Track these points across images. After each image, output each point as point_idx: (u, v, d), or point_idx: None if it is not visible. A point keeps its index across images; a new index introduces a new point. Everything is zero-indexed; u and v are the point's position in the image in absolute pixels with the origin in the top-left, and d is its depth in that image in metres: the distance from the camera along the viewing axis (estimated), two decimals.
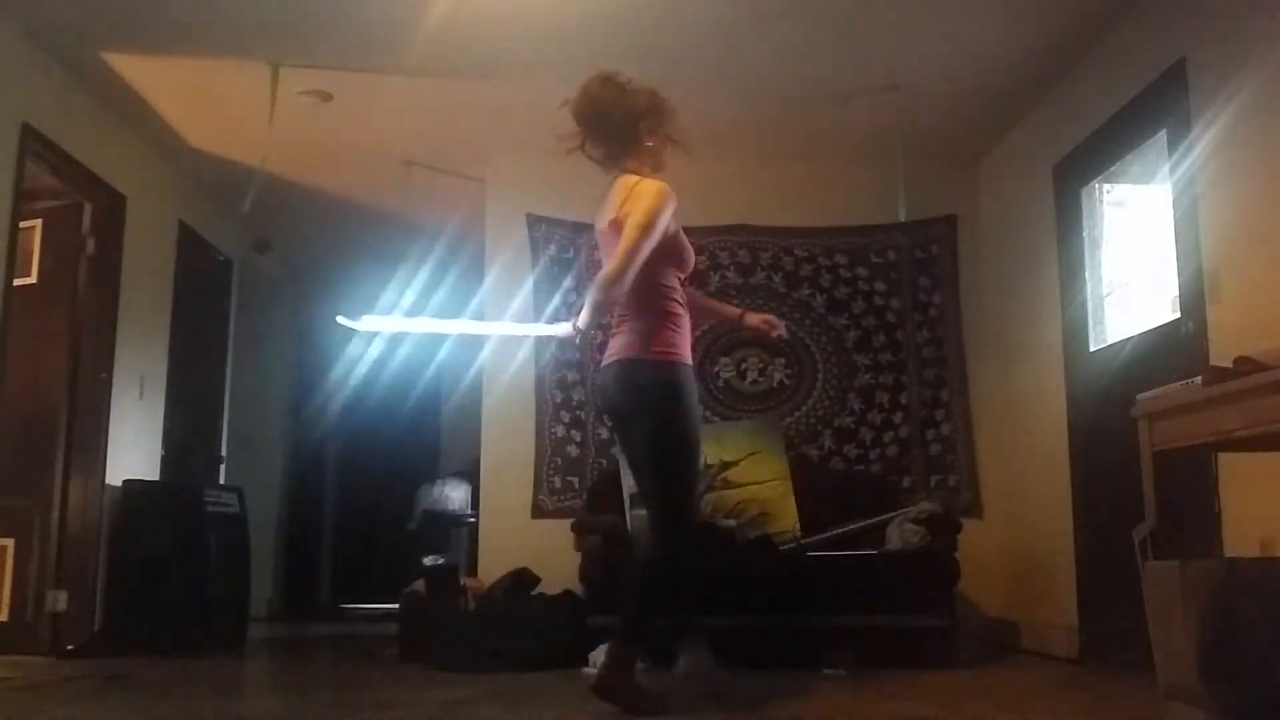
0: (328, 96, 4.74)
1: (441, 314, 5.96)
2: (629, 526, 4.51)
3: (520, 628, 4.13)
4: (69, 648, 4.48)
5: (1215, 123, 3.39)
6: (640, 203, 2.98)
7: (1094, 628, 4.17)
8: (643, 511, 4.22)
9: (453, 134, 5.23)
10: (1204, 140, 3.45)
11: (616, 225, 3.01)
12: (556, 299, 5.30)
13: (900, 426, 5.24)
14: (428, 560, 4.54)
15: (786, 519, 4.61)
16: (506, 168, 5.46)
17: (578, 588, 4.38)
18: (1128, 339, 4.05)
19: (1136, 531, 2.50)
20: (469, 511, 5.87)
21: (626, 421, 3.10)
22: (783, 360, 5.32)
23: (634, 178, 3.09)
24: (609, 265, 2.95)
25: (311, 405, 8.13)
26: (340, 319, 3.06)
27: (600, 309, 2.98)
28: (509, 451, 5.18)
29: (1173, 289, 3.71)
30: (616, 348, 3.09)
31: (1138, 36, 3.93)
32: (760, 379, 5.31)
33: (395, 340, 7.83)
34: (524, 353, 5.27)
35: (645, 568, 2.99)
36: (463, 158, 5.45)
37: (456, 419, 7.44)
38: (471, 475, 5.51)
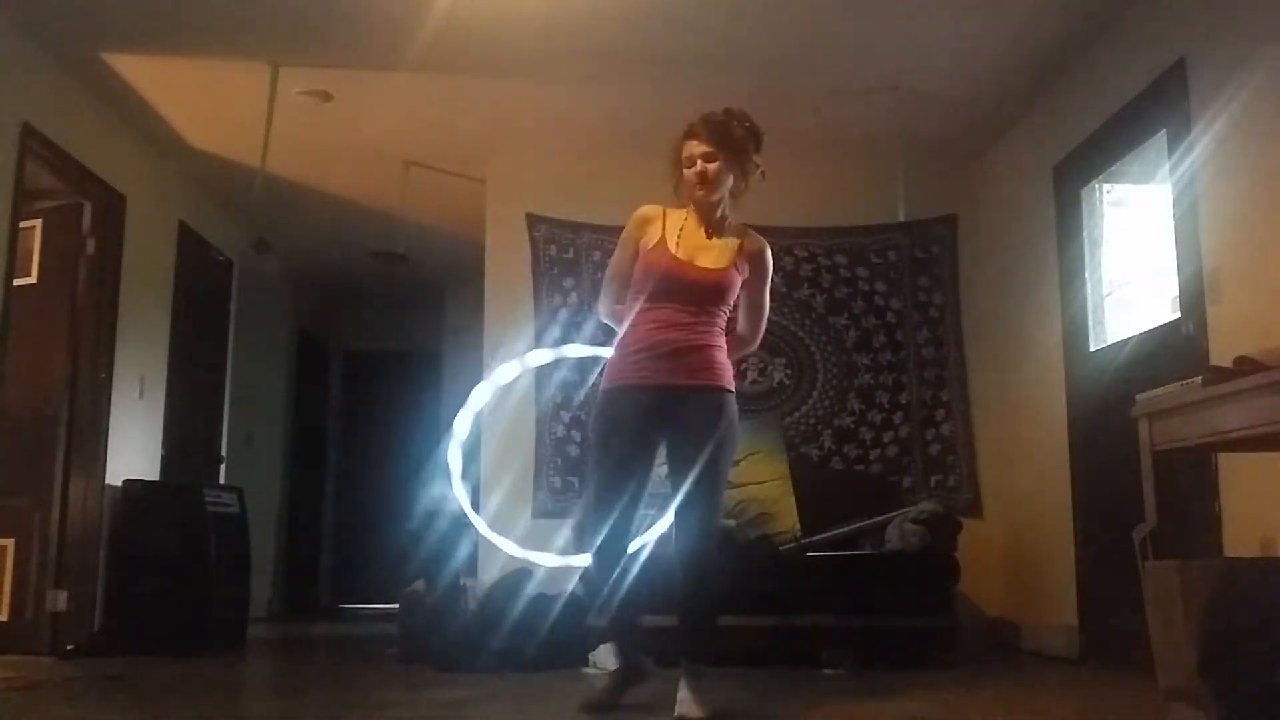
0: (328, 96, 4.75)
1: None
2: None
3: (520, 628, 4.13)
4: (69, 648, 4.47)
5: (1215, 123, 3.39)
6: (770, 271, 3.12)
7: (1094, 628, 4.17)
8: (650, 511, 4.24)
9: (453, 134, 5.23)
10: (1204, 140, 3.45)
11: (734, 280, 3.02)
12: (557, 299, 5.31)
13: (900, 426, 5.24)
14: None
15: (786, 519, 4.61)
16: (506, 168, 5.46)
17: (578, 588, 4.37)
18: (1128, 339, 4.05)
19: (1136, 531, 2.50)
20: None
21: (712, 446, 2.95)
22: (783, 360, 5.32)
23: (746, 230, 3.08)
24: (757, 332, 3.16)
25: (311, 407, 8.14)
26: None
27: None
28: (509, 451, 5.18)
29: (1173, 289, 3.71)
30: (708, 369, 2.97)
31: (1138, 36, 3.93)
32: (760, 379, 5.31)
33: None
34: (523, 351, 5.27)
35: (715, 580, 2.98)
36: (463, 158, 5.45)
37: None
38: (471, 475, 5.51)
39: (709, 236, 3.01)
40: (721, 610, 3.04)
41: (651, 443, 3.00)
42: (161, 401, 5.44)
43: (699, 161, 2.95)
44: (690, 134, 3.00)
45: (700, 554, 2.90)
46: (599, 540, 2.93)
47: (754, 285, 3.09)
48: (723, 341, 3.04)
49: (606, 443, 2.98)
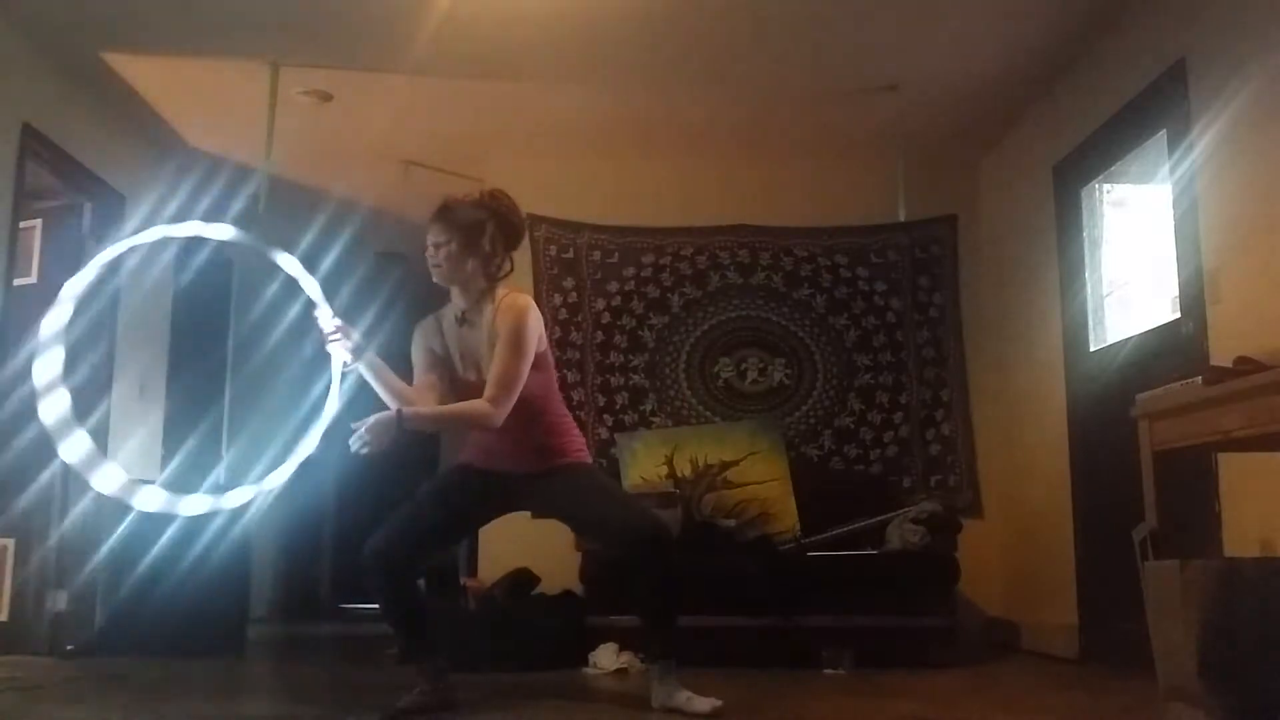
0: (328, 96, 4.75)
1: None
2: None
3: (520, 628, 4.13)
4: (69, 648, 4.47)
5: (1215, 123, 3.39)
6: (508, 327, 2.96)
7: (1094, 628, 4.17)
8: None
9: (453, 134, 5.23)
10: (1204, 140, 3.45)
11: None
12: (557, 299, 5.31)
13: (900, 426, 5.24)
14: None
15: (786, 519, 4.62)
16: (506, 168, 5.45)
17: (578, 588, 4.38)
18: (1128, 339, 4.05)
19: (1136, 532, 2.51)
20: None
21: (578, 490, 3.09)
22: (783, 360, 5.32)
23: (504, 297, 3.06)
24: (492, 390, 2.90)
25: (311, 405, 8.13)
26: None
27: None
28: None
29: (1173, 289, 3.71)
30: (541, 455, 3.08)
31: (1138, 36, 3.93)
32: (760, 379, 5.31)
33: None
34: None
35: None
36: (463, 158, 5.45)
37: None
38: None
39: (469, 324, 3.04)
40: (681, 602, 3.03)
41: (482, 518, 3.30)
42: (161, 402, 5.43)
43: (430, 248, 3.03)
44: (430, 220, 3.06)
45: (652, 550, 2.90)
46: (388, 548, 3.00)
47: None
48: (548, 418, 3.04)
49: (442, 497, 3.11)
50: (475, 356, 3.03)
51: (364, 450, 2.69)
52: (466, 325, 3.06)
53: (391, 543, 2.99)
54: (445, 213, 3.04)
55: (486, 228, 3.02)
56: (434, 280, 3.08)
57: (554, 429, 3.07)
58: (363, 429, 2.69)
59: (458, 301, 3.08)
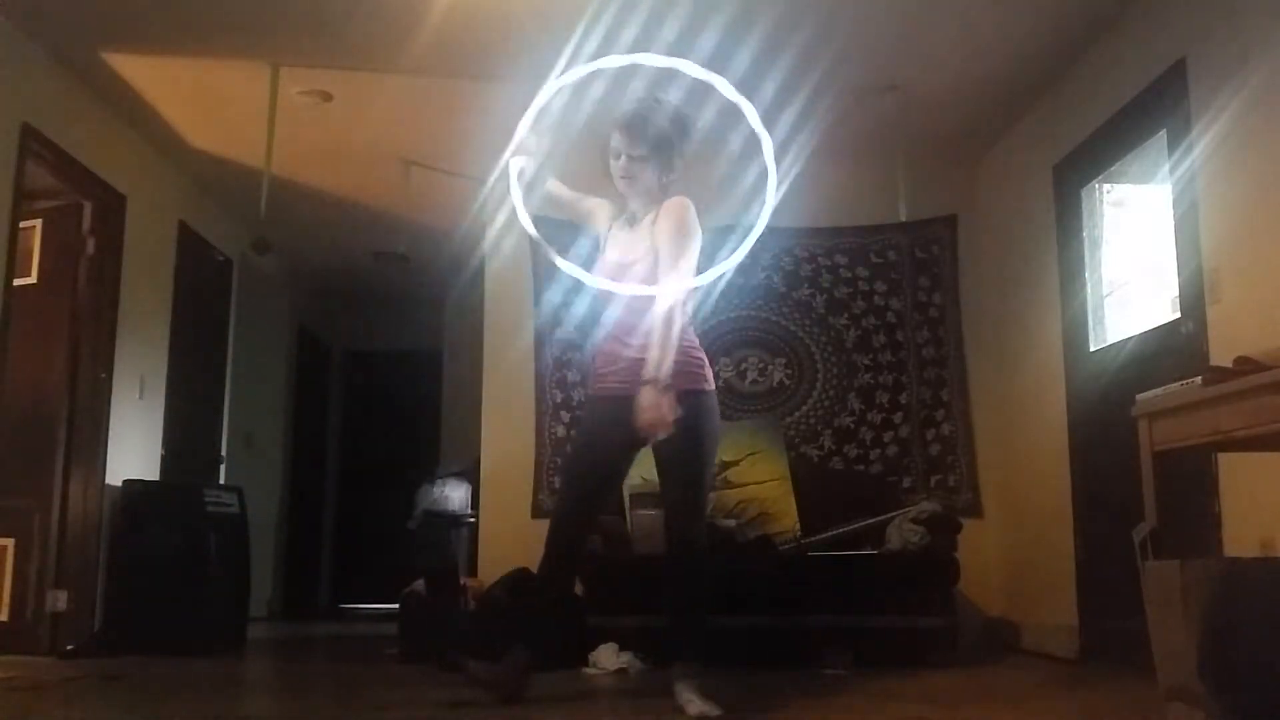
0: (328, 96, 4.75)
1: None
2: (629, 527, 4.51)
3: (520, 628, 4.12)
4: (69, 648, 4.47)
5: (1215, 123, 3.39)
6: (671, 219, 3.11)
7: (1094, 628, 4.17)
8: (650, 512, 4.22)
9: (453, 134, 5.23)
10: (1204, 140, 3.45)
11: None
12: (557, 297, 5.31)
13: (900, 426, 5.24)
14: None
15: (786, 519, 4.62)
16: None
17: (578, 588, 4.37)
18: (1128, 339, 4.05)
19: (1136, 531, 2.50)
20: (469, 511, 5.86)
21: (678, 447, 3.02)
22: (783, 360, 5.32)
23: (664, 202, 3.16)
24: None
25: (311, 407, 8.13)
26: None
27: None
28: (509, 451, 5.18)
29: (1173, 289, 3.71)
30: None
31: (1138, 36, 3.93)
32: (760, 379, 5.31)
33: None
34: (523, 351, 5.27)
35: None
36: (463, 158, 5.45)
37: (456, 419, 7.44)
38: (471, 475, 5.51)
39: (633, 224, 3.14)
40: (709, 609, 3.06)
41: (616, 448, 3.10)
42: (161, 401, 5.43)
43: (623, 155, 3.10)
44: (616, 126, 3.13)
45: (680, 554, 2.96)
46: (553, 529, 3.12)
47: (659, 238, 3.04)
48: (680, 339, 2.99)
49: (581, 443, 3.21)
50: (628, 252, 3.09)
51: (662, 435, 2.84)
52: (631, 225, 3.15)
53: (559, 506, 3.18)
54: (640, 126, 3.08)
55: (675, 143, 3.10)
56: (619, 189, 3.17)
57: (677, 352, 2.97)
58: (648, 427, 2.83)
59: (626, 206, 3.18)
